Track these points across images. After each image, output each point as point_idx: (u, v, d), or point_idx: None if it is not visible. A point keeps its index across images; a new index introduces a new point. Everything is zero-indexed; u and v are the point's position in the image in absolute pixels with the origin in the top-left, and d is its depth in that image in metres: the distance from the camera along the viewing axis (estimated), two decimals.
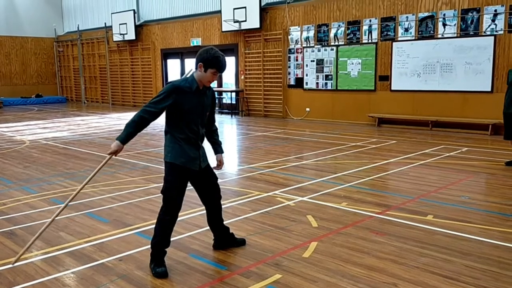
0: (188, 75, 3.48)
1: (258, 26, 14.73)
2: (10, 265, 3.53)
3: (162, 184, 3.54)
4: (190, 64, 18.06)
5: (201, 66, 3.36)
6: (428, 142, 9.68)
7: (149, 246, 3.56)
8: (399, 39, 12.00)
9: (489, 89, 10.61)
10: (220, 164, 3.76)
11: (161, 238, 3.48)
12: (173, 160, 3.43)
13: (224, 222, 3.95)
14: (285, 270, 3.49)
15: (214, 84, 17.57)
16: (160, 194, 3.57)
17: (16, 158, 8.43)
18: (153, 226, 4.39)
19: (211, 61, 3.34)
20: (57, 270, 3.54)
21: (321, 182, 6.24)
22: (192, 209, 4.87)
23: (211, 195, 3.73)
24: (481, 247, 3.90)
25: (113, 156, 3.39)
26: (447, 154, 8.17)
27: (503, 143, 9.10)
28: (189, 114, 3.40)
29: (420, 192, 5.67)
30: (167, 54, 18.73)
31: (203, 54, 3.36)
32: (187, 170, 3.47)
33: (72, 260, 3.74)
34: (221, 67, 3.39)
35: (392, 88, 12.25)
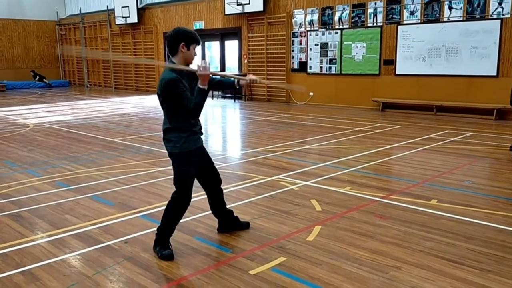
0: (166, 68, 3.38)
1: (261, 9, 14.58)
2: None
3: (173, 176, 3.53)
4: None
5: (183, 46, 3.34)
6: (433, 126, 9.65)
7: (155, 228, 3.59)
8: (405, 22, 11.86)
9: (495, 74, 10.51)
10: (248, 80, 3.74)
11: (169, 226, 3.52)
12: (184, 149, 3.40)
13: (228, 206, 3.98)
14: (289, 253, 3.51)
15: (217, 68, 17.41)
16: (165, 179, 3.57)
17: (20, 141, 8.45)
18: (158, 209, 4.45)
19: (190, 37, 3.36)
20: (64, 252, 3.57)
21: (324, 167, 6.24)
22: (196, 193, 4.87)
23: (211, 180, 3.76)
24: (485, 231, 3.91)
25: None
26: (452, 139, 8.15)
27: (508, 128, 9.07)
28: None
29: (424, 177, 5.67)
30: None
31: (179, 35, 3.34)
32: (198, 151, 3.51)
33: (78, 242, 3.77)
34: (198, 38, 3.43)
35: (397, 72, 12.16)
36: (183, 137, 3.40)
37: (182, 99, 3.26)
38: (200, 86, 3.27)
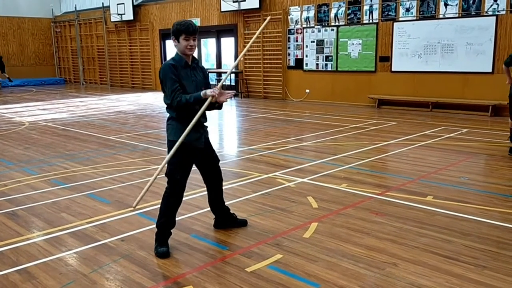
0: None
1: (257, 6, 14.56)
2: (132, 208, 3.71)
3: (166, 166, 3.55)
4: None
5: (174, 39, 3.47)
6: (428, 123, 9.67)
7: (151, 226, 3.59)
8: (400, 19, 11.87)
9: (490, 70, 10.54)
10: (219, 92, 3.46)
11: (166, 219, 3.51)
12: (178, 139, 3.41)
13: (225, 203, 3.98)
14: (286, 250, 3.52)
15: (213, 65, 17.33)
16: (164, 176, 3.57)
17: (16, 139, 8.42)
18: (155, 207, 4.44)
19: (177, 29, 3.42)
20: (60, 250, 3.57)
21: (321, 164, 6.25)
22: (193, 190, 4.89)
23: (213, 177, 3.78)
24: (481, 228, 3.93)
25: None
26: (447, 136, 8.18)
27: (503, 124, 9.11)
28: (186, 90, 3.41)
29: (420, 173, 5.69)
30: (166, 34, 18.53)
31: (171, 30, 3.48)
32: (193, 148, 3.51)
33: (75, 240, 3.76)
34: (186, 28, 3.38)
35: (393, 69, 12.18)
36: (178, 127, 3.43)
37: (166, 86, 3.36)
38: (205, 95, 3.31)
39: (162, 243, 3.47)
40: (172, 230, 3.59)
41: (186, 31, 3.38)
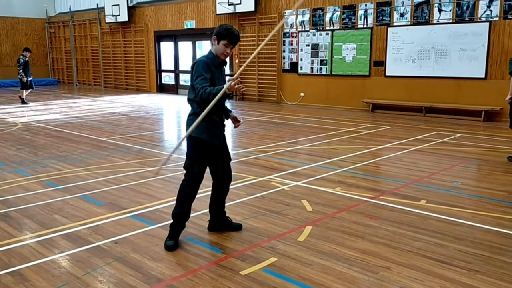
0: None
1: (253, 9, 14.58)
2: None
3: (185, 159, 3.65)
4: (184, 47, 17.90)
5: (215, 39, 3.54)
6: (422, 128, 9.73)
7: (145, 229, 3.60)
8: (395, 24, 11.95)
9: (483, 76, 10.63)
10: (236, 120, 3.76)
11: (182, 210, 3.61)
12: (199, 134, 3.51)
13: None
14: (280, 253, 3.52)
15: None
16: (173, 175, 3.58)
17: (9, 140, 8.36)
18: (149, 209, 4.44)
19: (222, 33, 3.50)
20: (53, 252, 3.54)
21: (315, 167, 6.26)
22: None
23: (224, 175, 3.83)
24: (473, 232, 3.95)
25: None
26: (440, 140, 8.22)
27: (496, 129, 9.19)
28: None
29: (413, 178, 5.72)
30: (161, 36, 18.52)
31: (217, 29, 3.55)
32: (212, 145, 3.59)
33: (68, 242, 3.74)
34: (232, 37, 3.50)
35: (387, 74, 12.24)
36: (201, 123, 3.45)
37: (196, 81, 3.41)
38: (226, 90, 3.31)
39: (172, 236, 3.57)
40: (166, 234, 3.58)
41: (229, 39, 3.49)
